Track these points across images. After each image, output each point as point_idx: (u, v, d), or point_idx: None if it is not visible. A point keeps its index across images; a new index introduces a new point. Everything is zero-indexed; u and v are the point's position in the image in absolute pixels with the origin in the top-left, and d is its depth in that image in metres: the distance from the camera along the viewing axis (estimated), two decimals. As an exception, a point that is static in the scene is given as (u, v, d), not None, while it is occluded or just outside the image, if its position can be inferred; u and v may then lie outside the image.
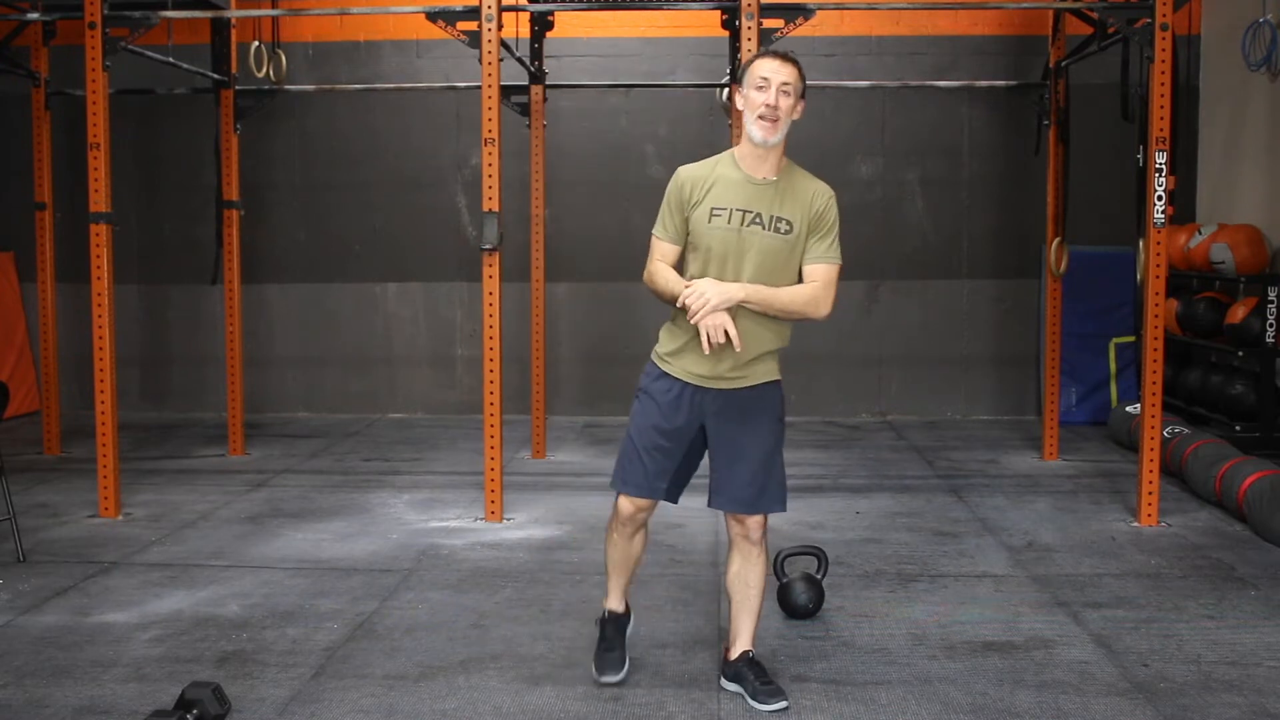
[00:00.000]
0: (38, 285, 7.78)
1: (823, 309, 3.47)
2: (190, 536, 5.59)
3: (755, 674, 3.62)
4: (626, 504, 3.63)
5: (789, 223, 3.45)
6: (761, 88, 3.40)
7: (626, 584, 3.85)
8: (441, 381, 9.39)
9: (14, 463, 6.72)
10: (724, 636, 4.05)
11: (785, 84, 3.40)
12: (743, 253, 3.43)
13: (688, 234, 3.51)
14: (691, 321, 3.39)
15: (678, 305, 3.44)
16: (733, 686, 3.67)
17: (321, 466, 7.35)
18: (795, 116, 3.47)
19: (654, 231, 3.56)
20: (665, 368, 3.56)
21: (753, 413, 3.55)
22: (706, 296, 3.35)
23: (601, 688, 3.70)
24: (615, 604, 3.85)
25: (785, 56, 3.45)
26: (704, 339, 3.38)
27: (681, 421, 3.54)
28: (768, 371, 3.57)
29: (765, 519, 3.61)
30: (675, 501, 3.68)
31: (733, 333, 3.37)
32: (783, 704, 3.54)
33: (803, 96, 3.47)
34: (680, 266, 3.57)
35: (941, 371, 9.21)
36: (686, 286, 3.41)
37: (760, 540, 3.61)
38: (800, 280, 3.50)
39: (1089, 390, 8.84)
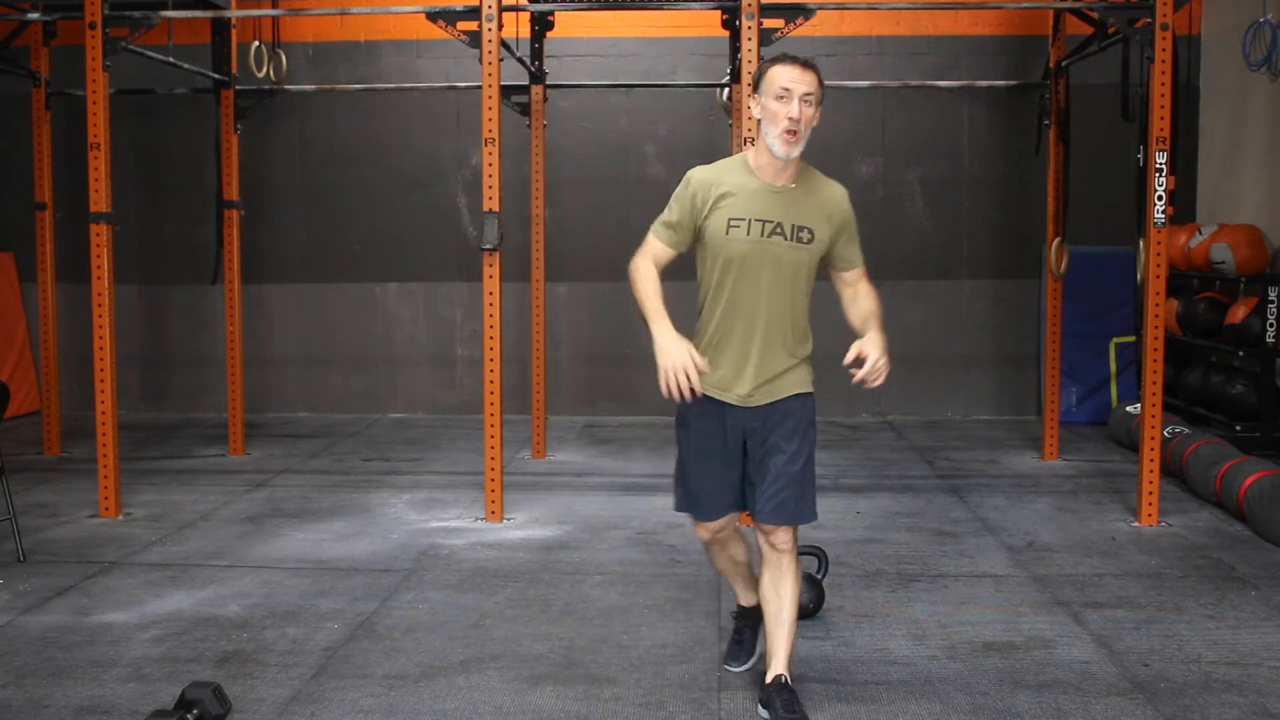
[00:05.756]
0: (38, 285, 7.78)
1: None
2: (190, 536, 5.60)
3: (782, 702, 3.39)
4: (701, 530, 3.60)
5: (810, 231, 3.34)
6: (783, 98, 3.21)
7: (745, 583, 3.81)
8: (441, 381, 9.39)
9: (14, 463, 6.73)
10: (723, 636, 4.09)
11: (807, 94, 3.21)
12: (761, 265, 3.30)
13: (696, 241, 3.36)
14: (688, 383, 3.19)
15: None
16: (763, 713, 3.46)
17: (322, 466, 7.35)
18: (814, 124, 3.29)
19: (653, 228, 3.39)
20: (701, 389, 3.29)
21: (783, 424, 3.39)
22: (878, 366, 3.26)
23: (602, 687, 3.70)
24: (743, 600, 3.87)
25: (806, 63, 3.25)
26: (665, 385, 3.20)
27: (719, 439, 3.39)
28: (799, 383, 3.43)
29: (794, 531, 3.44)
30: (744, 507, 3.50)
31: (694, 376, 3.20)
32: None
33: (820, 102, 3.28)
34: (686, 269, 3.45)
35: (941, 371, 9.20)
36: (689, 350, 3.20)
37: (788, 550, 3.43)
38: (832, 284, 3.53)
39: (1089, 390, 8.84)
